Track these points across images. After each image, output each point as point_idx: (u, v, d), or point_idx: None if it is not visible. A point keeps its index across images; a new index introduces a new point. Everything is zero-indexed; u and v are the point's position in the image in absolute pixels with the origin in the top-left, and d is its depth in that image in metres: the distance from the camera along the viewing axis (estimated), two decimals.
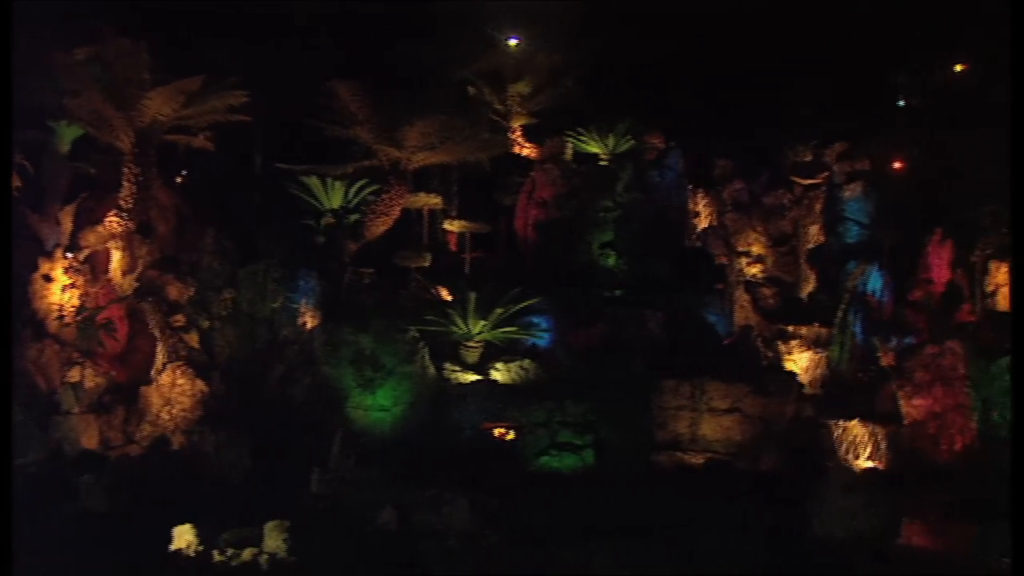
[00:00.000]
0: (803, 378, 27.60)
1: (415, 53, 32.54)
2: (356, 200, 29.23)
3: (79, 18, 26.38)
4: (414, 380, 24.44)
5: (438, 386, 24.97)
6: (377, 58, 32.42)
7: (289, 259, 27.01)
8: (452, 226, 32.47)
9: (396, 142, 28.30)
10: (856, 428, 24.74)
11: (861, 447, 24.70)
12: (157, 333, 25.76)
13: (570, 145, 32.71)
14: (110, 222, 26.59)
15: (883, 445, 24.52)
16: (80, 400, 24.96)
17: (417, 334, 24.87)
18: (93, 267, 27.46)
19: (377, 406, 24.11)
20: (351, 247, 28.47)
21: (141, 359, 26.31)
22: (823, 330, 29.16)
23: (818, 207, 33.40)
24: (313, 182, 29.10)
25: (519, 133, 34.97)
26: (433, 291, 29.18)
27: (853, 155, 33.92)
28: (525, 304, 26.29)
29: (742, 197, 33.62)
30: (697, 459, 23.89)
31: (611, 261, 29.31)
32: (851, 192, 33.24)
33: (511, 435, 23.50)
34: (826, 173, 33.71)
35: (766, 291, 31.87)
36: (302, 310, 26.41)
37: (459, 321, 25.94)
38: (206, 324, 26.35)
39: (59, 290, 26.53)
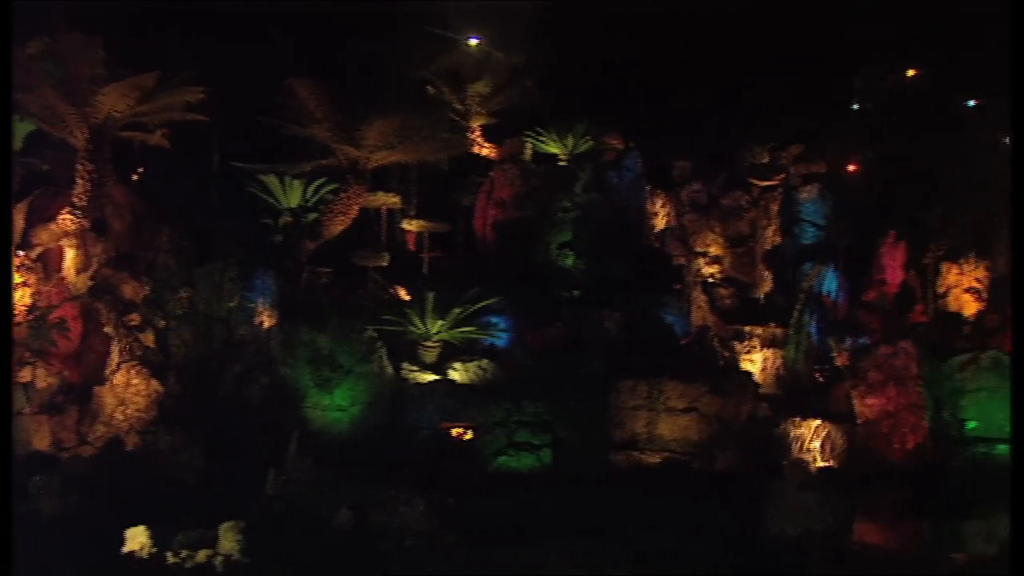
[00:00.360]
0: (759, 378, 27.87)
1: (374, 52, 32.43)
2: (314, 199, 29.07)
3: (32, 11, 25.97)
4: (372, 380, 24.36)
5: (396, 386, 24.92)
6: (336, 57, 32.27)
7: (246, 258, 26.79)
8: (411, 226, 32.40)
9: (354, 141, 28.21)
10: (811, 427, 24.97)
11: (816, 446, 24.92)
12: (111, 332, 25.43)
13: (529, 145, 32.75)
14: (63, 219, 26.24)
15: (837, 444, 24.77)
16: (31, 400, 24.59)
17: (375, 334, 24.79)
18: (46, 265, 27.08)
19: (334, 406, 24.01)
20: (309, 246, 28.33)
21: (95, 359, 25.94)
22: (779, 330, 29.41)
23: (775, 208, 33.69)
24: (271, 181, 28.92)
25: (478, 133, 34.98)
26: (391, 291, 29.11)
27: (809, 157, 34.32)
28: (483, 304, 26.32)
29: (700, 198, 33.83)
30: (654, 458, 24.01)
31: (569, 261, 29.41)
32: (807, 194, 33.59)
33: (469, 435, 23.49)
34: (783, 175, 34.03)
35: (723, 291, 32.12)
36: (259, 309, 26.23)
37: (417, 321, 25.89)
38: (162, 323, 26.04)
39: None
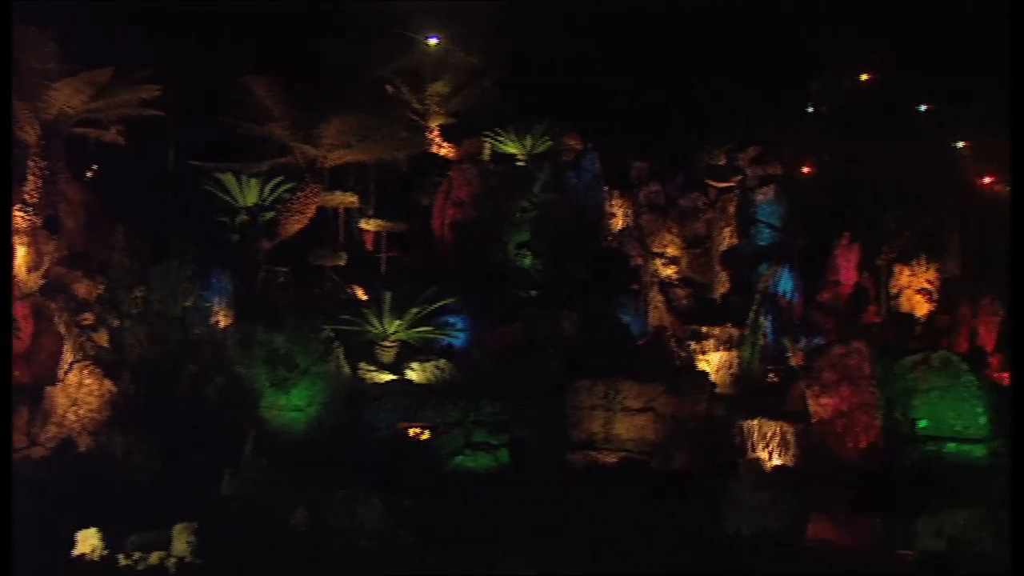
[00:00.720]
0: (715, 378, 28.02)
1: (333, 51, 32.28)
2: (271, 198, 28.90)
3: None
4: (328, 380, 24.26)
5: (353, 386, 24.85)
6: (294, 55, 32.08)
7: (202, 257, 26.55)
8: (368, 225, 32.28)
9: (312, 140, 28.11)
10: (766, 426, 25.16)
11: (771, 445, 25.13)
12: (64, 332, 25.11)
13: (488, 145, 32.81)
14: (14, 217, 25.86)
15: (792, 443, 24.96)
16: None
17: (332, 334, 24.70)
18: None
19: (291, 406, 23.88)
20: (266, 245, 28.17)
21: (46, 358, 25.62)
22: (735, 330, 29.64)
23: (731, 210, 33.95)
24: (228, 179, 28.71)
25: (437, 133, 34.97)
26: (348, 290, 29.02)
27: (765, 160, 34.64)
28: (441, 304, 26.32)
29: (658, 199, 34.02)
30: (611, 458, 24.10)
31: (527, 261, 29.48)
32: (763, 196, 33.92)
33: (426, 435, 23.46)
34: (740, 177, 34.32)
35: (680, 292, 32.36)
36: (215, 309, 26.04)
37: (374, 321, 25.82)
38: (116, 323, 25.74)
39: None
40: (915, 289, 33.52)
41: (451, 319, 26.95)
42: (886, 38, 36.93)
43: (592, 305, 28.29)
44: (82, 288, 26.18)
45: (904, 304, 33.49)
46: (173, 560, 17.54)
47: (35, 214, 25.93)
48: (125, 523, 18.54)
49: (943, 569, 18.13)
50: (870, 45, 37.52)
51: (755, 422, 25.19)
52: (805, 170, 37.13)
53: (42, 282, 26.23)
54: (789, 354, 29.03)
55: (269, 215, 28.67)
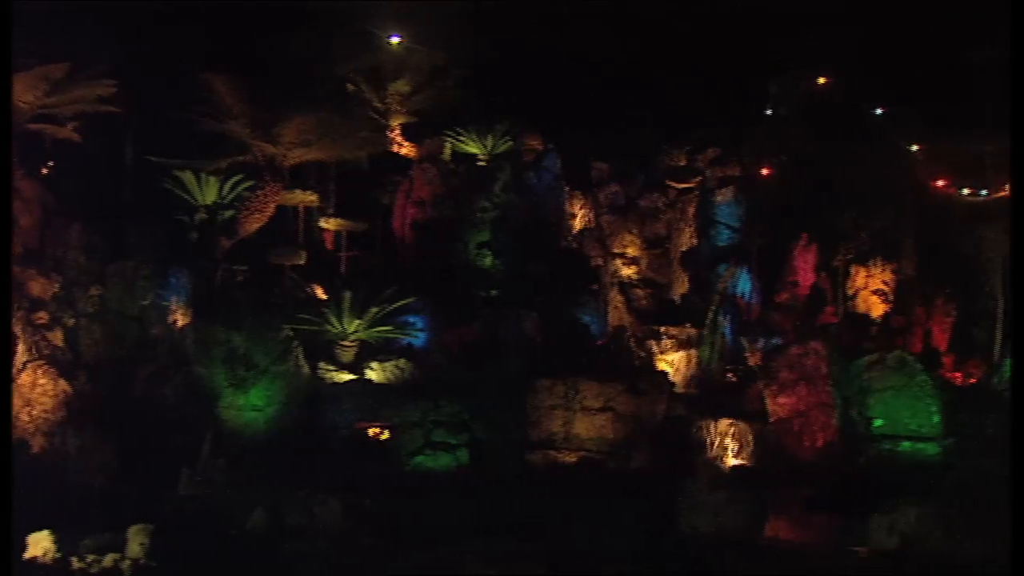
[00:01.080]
0: (674, 377, 28.23)
1: (294, 49, 32.12)
2: (231, 196, 28.66)
3: None
4: (288, 379, 24.13)
5: (312, 386, 24.74)
6: (254, 53, 31.89)
7: (160, 255, 26.33)
8: (328, 224, 32.11)
9: (272, 138, 27.95)
10: (725, 426, 25.40)
11: (729, 445, 25.35)
12: (17, 331, 24.75)
13: (449, 145, 32.83)
14: None
15: (750, 442, 25.23)
16: None
17: (291, 333, 24.57)
18: None
19: (250, 406, 23.71)
20: (224, 244, 27.97)
21: None
22: (694, 331, 29.85)
23: (691, 211, 34.19)
24: (186, 177, 28.44)
25: (398, 132, 34.93)
26: (308, 289, 28.87)
27: (725, 161, 34.92)
28: (401, 303, 26.27)
29: (618, 200, 34.18)
30: (570, 457, 24.18)
31: (487, 261, 29.52)
32: (723, 197, 34.20)
33: (386, 435, 23.44)
34: (699, 178, 34.58)
35: (639, 292, 32.54)
36: (173, 308, 25.78)
37: (334, 320, 25.73)
38: (71, 322, 25.44)
39: None
40: (871, 290, 33.97)
41: (411, 319, 26.91)
42: (843, 41, 37.33)
43: (552, 305, 28.38)
44: (36, 286, 25.82)
45: (860, 305, 33.93)
46: (128, 563, 17.32)
47: None
48: (79, 525, 18.29)
49: (894, 565, 18.37)
50: (828, 48, 37.91)
51: (714, 421, 25.42)
52: (764, 172, 37.46)
53: None
54: (747, 354, 29.31)
55: (228, 213, 28.45)
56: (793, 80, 40.22)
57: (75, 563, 17.32)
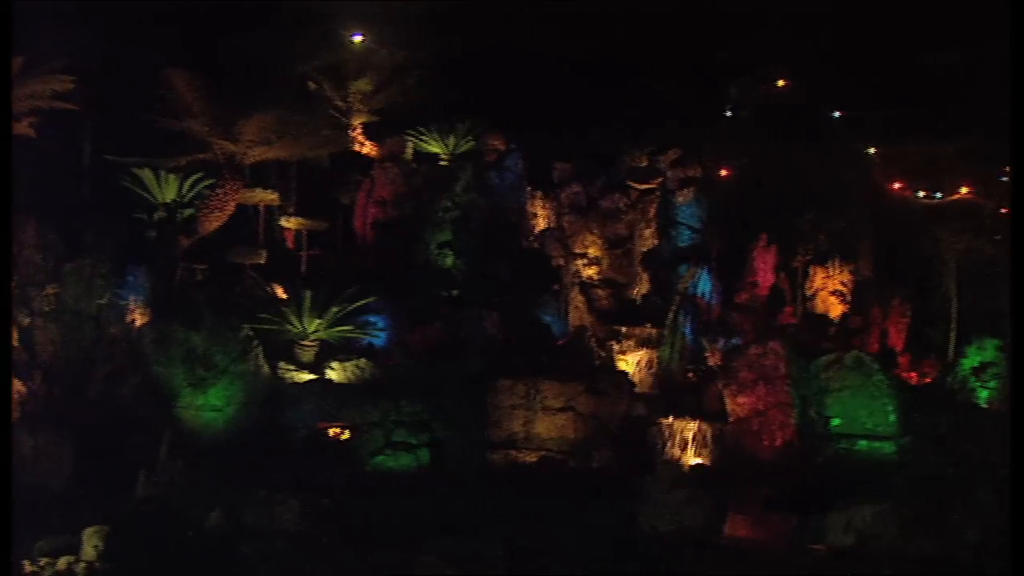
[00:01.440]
0: (635, 377, 28.33)
1: (255, 47, 31.89)
2: (190, 194, 28.43)
3: None
4: (247, 379, 24.01)
5: (272, 385, 24.61)
6: (215, 51, 31.63)
7: (118, 254, 26.08)
8: (289, 223, 31.90)
9: (232, 135, 27.72)
10: (684, 425, 25.55)
11: (689, 444, 25.51)
12: None
13: (410, 144, 32.74)
14: None
15: (710, 442, 25.40)
16: None
17: (251, 332, 24.44)
18: None
19: (209, 406, 23.58)
20: (184, 242, 27.71)
21: None
22: (654, 331, 29.98)
23: (652, 211, 34.27)
24: (145, 175, 28.17)
25: (359, 131, 34.76)
26: (268, 289, 28.67)
27: (686, 162, 35.06)
28: (362, 303, 26.16)
29: (579, 200, 34.21)
30: (531, 457, 24.25)
31: (449, 261, 29.50)
32: (683, 198, 34.33)
33: (346, 435, 23.35)
34: (660, 179, 34.66)
35: (600, 292, 32.59)
36: (131, 307, 25.54)
37: (294, 319, 25.59)
38: (27, 321, 25.12)
39: None
40: (829, 291, 34.28)
41: (372, 318, 26.82)
42: (803, 45, 37.74)
43: (513, 305, 28.40)
44: None
45: (819, 305, 34.23)
46: (82, 565, 17.18)
47: None
48: (34, 528, 18.06)
49: (850, 563, 18.60)
50: (787, 51, 38.31)
51: (674, 421, 25.58)
52: (724, 173, 37.74)
53: None
54: (707, 354, 29.48)
55: (188, 212, 28.21)
56: (753, 83, 40.59)
57: (27, 567, 17.11)
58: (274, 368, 24.98)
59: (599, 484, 22.53)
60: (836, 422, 25.22)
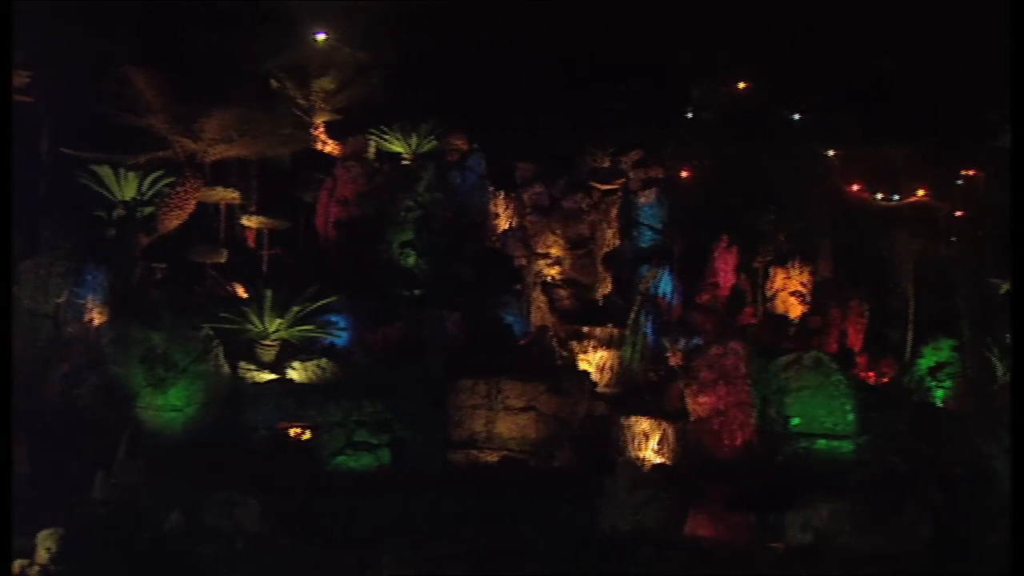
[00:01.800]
0: (596, 377, 28.49)
1: (217, 44, 31.62)
2: (150, 192, 28.19)
3: None
4: (208, 379, 23.83)
5: (233, 385, 24.44)
6: (176, 47, 31.35)
7: (76, 252, 25.78)
8: (250, 222, 31.68)
9: (193, 133, 27.53)
10: (646, 425, 25.70)
11: (650, 443, 25.66)
12: None
13: (373, 143, 32.64)
14: None
15: (671, 441, 25.57)
16: None
17: (211, 332, 24.26)
18: None
19: (169, 406, 23.38)
20: (143, 241, 27.45)
21: None
22: (616, 331, 30.08)
23: (615, 212, 34.42)
24: (104, 172, 27.88)
25: (322, 129, 34.62)
26: (229, 288, 28.48)
27: (648, 163, 35.25)
28: (323, 303, 26.04)
29: (542, 200, 34.28)
30: (492, 457, 24.28)
31: (411, 261, 29.44)
32: (645, 198, 34.51)
33: (307, 435, 23.25)
34: (622, 179, 34.84)
35: (562, 292, 32.68)
36: (89, 306, 25.28)
37: (255, 319, 25.44)
38: None
39: None
40: (789, 291, 34.66)
41: (333, 318, 26.70)
42: (764, 47, 38.04)
43: (475, 305, 28.40)
44: None
45: (779, 306, 34.59)
46: (36, 568, 16.93)
47: None
48: None
49: (808, 561, 18.80)
50: (749, 53, 38.60)
51: (635, 421, 25.71)
52: (686, 174, 37.97)
53: None
54: (668, 354, 29.66)
55: (148, 210, 27.95)
56: (714, 84, 40.85)
57: None
58: (235, 368, 24.81)
59: (560, 484, 22.59)
60: (796, 421, 25.49)
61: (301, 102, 34.50)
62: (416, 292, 28.66)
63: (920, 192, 38.36)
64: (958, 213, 36.89)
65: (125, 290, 26.11)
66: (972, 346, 29.78)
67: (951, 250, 34.91)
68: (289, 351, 25.81)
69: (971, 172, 37.47)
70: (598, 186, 34.57)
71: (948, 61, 35.69)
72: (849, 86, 37.99)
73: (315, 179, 32.07)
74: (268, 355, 25.51)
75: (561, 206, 34.25)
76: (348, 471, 22.89)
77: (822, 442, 25.11)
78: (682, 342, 30.12)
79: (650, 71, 37.60)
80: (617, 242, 34.11)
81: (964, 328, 30.33)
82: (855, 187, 39.64)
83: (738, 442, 25.23)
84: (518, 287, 31.31)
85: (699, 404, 25.55)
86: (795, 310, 34.50)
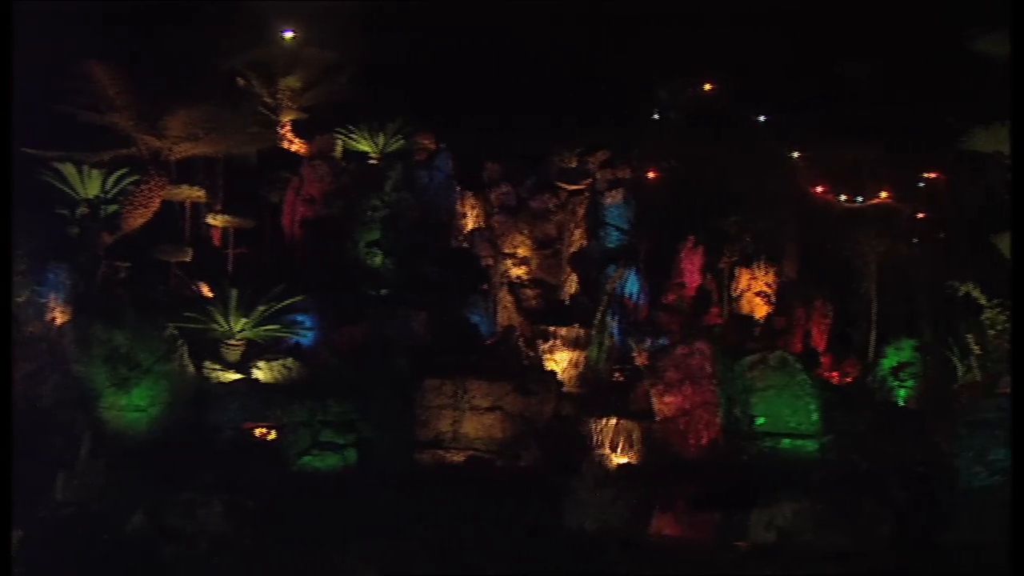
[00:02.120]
0: (563, 377, 28.50)
1: (183, 41, 31.42)
2: (114, 190, 27.93)
3: None
4: (172, 379, 23.68)
5: (197, 385, 24.30)
6: (141, 44, 31.09)
7: (38, 250, 25.47)
8: (216, 220, 31.49)
9: (157, 130, 27.33)
10: (612, 425, 25.75)
11: (616, 443, 25.72)
12: None
13: (340, 142, 32.55)
14: None
15: (637, 441, 25.64)
16: None
17: (176, 331, 24.10)
18: None
19: (132, 406, 23.20)
20: (107, 239, 27.21)
21: None
22: (582, 331, 30.19)
23: (581, 212, 34.49)
24: (67, 169, 27.60)
25: (288, 128, 34.50)
26: (194, 287, 28.32)
27: (615, 163, 35.36)
28: (289, 302, 25.92)
29: (509, 200, 34.30)
30: (458, 457, 24.23)
31: (377, 260, 29.35)
32: (612, 199, 34.61)
33: (272, 435, 23.13)
34: (589, 180, 34.92)
35: (529, 292, 32.72)
36: (51, 305, 25.04)
37: (220, 318, 25.30)
38: None
39: None
40: (754, 292, 34.88)
41: (299, 317, 26.59)
42: (730, 48, 38.30)
43: (442, 305, 28.37)
44: None
45: (744, 306, 34.81)
46: None
47: None
48: None
49: (771, 559, 18.95)
50: (715, 54, 38.87)
51: (601, 421, 25.76)
52: (652, 174, 38.15)
53: None
54: (635, 354, 29.79)
55: (111, 208, 27.70)
56: (681, 85, 41.08)
57: None
58: (199, 368, 24.65)
59: (526, 483, 22.60)
60: (760, 421, 25.63)
61: (268, 100, 34.38)
62: (382, 292, 28.57)
63: (883, 194, 38.83)
64: (920, 215, 37.35)
65: (88, 289, 25.88)
66: (933, 346, 30.15)
67: (913, 251, 35.33)
68: (254, 351, 25.68)
69: (933, 175, 37.97)
70: (565, 186, 34.62)
71: (912, 65, 36.13)
72: (814, 88, 38.36)
73: (281, 178, 31.94)
74: (233, 355, 25.37)
75: (528, 206, 34.27)
76: (314, 471, 22.79)
77: (787, 441, 25.25)
78: (648, 342, 30.27)
79: (617, 71, 37.74)
80: (584, 242, 34.17)
81: (925, 328, 30.71)
82: (819, 188, 40.04)
83: (704, 441, 25.31)
84: (485, 287, 31.32)
85: (665, 404, 25.62)
86: (760, 310, 34.73)
